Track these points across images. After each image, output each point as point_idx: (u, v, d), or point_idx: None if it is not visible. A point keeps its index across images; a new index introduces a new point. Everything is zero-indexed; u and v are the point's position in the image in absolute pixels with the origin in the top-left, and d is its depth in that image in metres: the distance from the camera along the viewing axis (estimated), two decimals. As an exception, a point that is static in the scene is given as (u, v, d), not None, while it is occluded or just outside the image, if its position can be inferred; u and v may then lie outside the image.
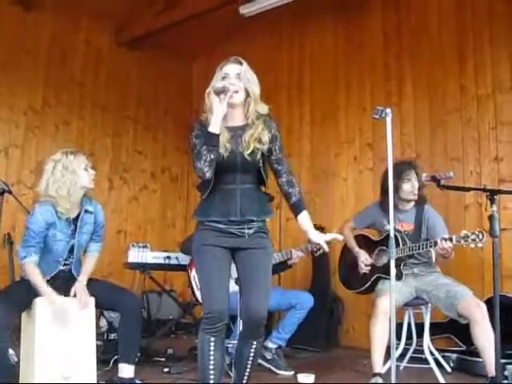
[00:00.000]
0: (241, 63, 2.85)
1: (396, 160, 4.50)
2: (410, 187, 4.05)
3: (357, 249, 4.24)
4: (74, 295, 3.39)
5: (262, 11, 5.69)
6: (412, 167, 4.11)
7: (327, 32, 6.33)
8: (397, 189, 4.04)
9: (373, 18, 5.98)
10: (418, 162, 4.31)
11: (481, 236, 3.48)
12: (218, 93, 2.72)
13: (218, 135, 2.71)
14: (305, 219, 2.94)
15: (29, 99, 5.95)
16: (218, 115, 2.72)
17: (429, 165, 5.21)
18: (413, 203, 4.14)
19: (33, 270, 3.31)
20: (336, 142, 6.09)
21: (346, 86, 6.11)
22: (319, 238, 2.88)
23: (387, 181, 4.04)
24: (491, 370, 3.38)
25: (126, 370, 3.41)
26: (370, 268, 4.13)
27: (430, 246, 3.78)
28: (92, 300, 3.43)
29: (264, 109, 2.88)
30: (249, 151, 2.79)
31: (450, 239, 3.63)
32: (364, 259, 4.15)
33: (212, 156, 2.69)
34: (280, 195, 3.01)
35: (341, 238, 3.05)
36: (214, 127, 2.71)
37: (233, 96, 2.76)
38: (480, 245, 3.50)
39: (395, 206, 4.06)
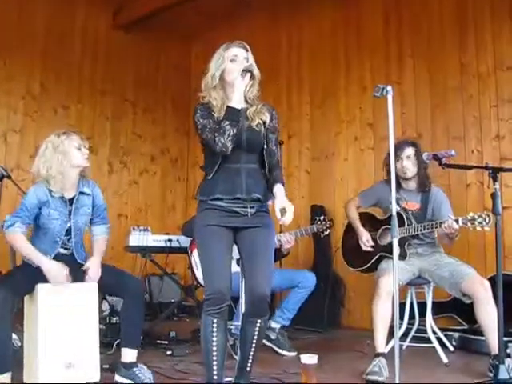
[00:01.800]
0: (246, 49, 2.91)
1: (397, 139, 4.51)
2: (399, 165, 4.03)
3: (361, 228, 4.21)
4: (77, 281, 3.37)
5: (260, -9, 5.64)
6: (406, 146, 4.07)
7: (326, 11, 6.25)
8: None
9: (372, -4, 5.92)
10: (420, 141, 4.25)
11: (488, 219, 3.45)
12: (248, 71, 2.81)
13: (239, 110, 2.79)
14: (278, 189, 2.85)
15: (26, 84, 5.93)
16: (239, 92, 2.82)
17: (430, 144, 5.18)
18: (415, 182, 4.11)
19: (18, 237, 3.30)
20: (336, 122, 6.06)
21: (346, 65, 6.06)
22: (279, 204, 2.74)
23: (386, 159, 4.06)
24: (494, 348, 3.38)
25: (129, 355, 3.41)
26: (373, 247, 4.12)
27: (436, 227, 3.77)
28: (95, 284, 3.42)
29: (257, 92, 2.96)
30: (255, 123, 2.85)
31: (456, 221, 3.61)
32: (365, 240, 4.14)
33: (235, 130, 2.74)
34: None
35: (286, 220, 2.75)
36: (237, 103, 2.81)
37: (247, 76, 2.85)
38: (487, 228, 3.47)
39: (399, 185, 4.06)
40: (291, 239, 4.42)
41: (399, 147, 4.04)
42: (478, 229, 3.51)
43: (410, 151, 4.05)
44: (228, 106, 2.79)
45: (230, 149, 2.74)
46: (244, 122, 2.84)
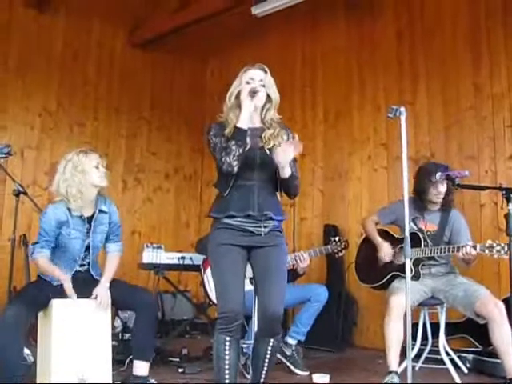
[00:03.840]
0: (265, 71, 2.95)
1: (429, 161, 4.52)
2: (435, 191, 4.01)
3: (380, 240, 4.20)
4: (95, 297, 3.40)
5: (274, 11, 5.69)
6: (441, 171, 4.00)
7: (340, 31, 6.30)
8: (424, 190, 4.04)
9: (385, 16, 5.94)
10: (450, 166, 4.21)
11: (506, 248, 3.44)
12: (253, 92, 2.83)
13: (246, 131, 2.81)
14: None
15: (43, 101, 6.02)
16: (248, 113, 2.84)
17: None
18: (439, 205, 4.09)
19: (44, 262, 3.38)
20: (350, 141, 6.06)
21: (360, 84, 6.08)
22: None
23: (419, 181, 4.06)
24: (509, 370, 3.35)
25: (141, 368, 3.42)
26: (387, 264, 4.11)
27: (453, 251, 3.75)
28: (108, 301, 3.44)
29: (277, 116, 2.99)
30: (269, 146, 2.87)
31: (474, 247, 3.60)
32: (386, 249, 4.13)
33: (241, 150, 2.77)
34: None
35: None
36: (243, 123, 2.82)
37: (259, 99, 2.88)
38: (505, 257, 3.45)
39: (424, 207, 4.07)
40: (306, 258, 4.41)
41: (435, 171, 3.91)
42: (496, 256, 3.50)
43: (441, 176, 3.98)
44: (235, 126, 2.82)
45: (235, 168, 2.77)
46: (258, 142, 2.88)
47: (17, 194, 4.12)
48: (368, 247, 4.32)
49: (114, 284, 3.54)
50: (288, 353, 4.33)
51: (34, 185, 5.72)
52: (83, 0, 6.22)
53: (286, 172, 2.83)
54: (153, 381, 3.47)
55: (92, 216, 3.53)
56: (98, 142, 6.36)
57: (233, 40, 6.89)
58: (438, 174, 3.89)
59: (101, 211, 3.57)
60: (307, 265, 4.45)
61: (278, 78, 3.02)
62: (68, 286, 3.30)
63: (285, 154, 2.74)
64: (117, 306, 3.82)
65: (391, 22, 5.90)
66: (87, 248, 3.52)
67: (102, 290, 3.43)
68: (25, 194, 4.17)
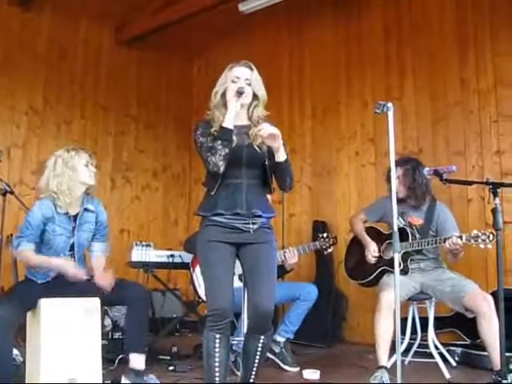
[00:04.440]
0: (251, 68, 2.94)
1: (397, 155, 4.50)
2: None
3: (368, 239, 4.22)
4: (80, 295, 3.38)
5: (260, 8, 5.68)
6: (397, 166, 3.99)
7: (327, 26, 6.31)
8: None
9: (373, 12, 5.95)
10: (421, 157, 4.23)
11: (491, 237, 3.46)
12: (240, 93, 2.82)
13: (232, 130, 2.80)
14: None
15: (29, 99, 5.97)
16: (233, 112, 2.82)
17: (431, 159, 5.19)
18: (414, 200, 4.10)
19: (28, 253, 3.35)
20: (337, 137, 6.08)
21: (347, 80, 6.09)
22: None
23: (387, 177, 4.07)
24: (497, 363, 3.38)
25: (137, 361, 3.42)
26: (376, 260, 4.13)
27: (440, 242, 3.78)
28: (97, 300, 3.42)
29: (264, 113, 2.98)
30: (256, 143, 2.85)
31: (460, 238, 3.62)
32: (372, 250, 4.14)
33: (227, 150, 2.76)
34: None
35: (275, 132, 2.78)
36: (229, 123, 2.81)
37: (245, 98, 2.87)
38: (489, 246, 3.48)
39: (404, 200, 4.08)
40: (295, 254, 4.42)
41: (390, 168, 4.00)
42: (481, 246, 3.52)
43: (396, 172, 4.01)
44: (221, 126, 2.81)
45: (221, 168, 2.77)
46: (245, 139, 2.87)
47: (3, 194, 4.09)
48: (357, 245, 4.34)
49: None
50: (277, 350, 4.34)
51: (20, 184, 5.68)
52: (68, -2, 6.20)
53: (281, 155, 2.81)
54: (151, 375, 3.47)
55: (77, 214, 3.52)
56: (85, 140, 6.32)
57: (219, 37, 6.89)
58: (426, 170, 3.92)
59: (87, 210, 3.57)
60: (295, 261, 4.45)
61: (265, 75, 3.02)
62: (66, 264, 3.34)
63: (270, 133, 2.73)
64: (107, 304, 3.80)
65: (378, 18, 5.92)
66: (72, 246, 3.50)
67: (102, 277, 3.46)
68: (11, 193, 4.15)
